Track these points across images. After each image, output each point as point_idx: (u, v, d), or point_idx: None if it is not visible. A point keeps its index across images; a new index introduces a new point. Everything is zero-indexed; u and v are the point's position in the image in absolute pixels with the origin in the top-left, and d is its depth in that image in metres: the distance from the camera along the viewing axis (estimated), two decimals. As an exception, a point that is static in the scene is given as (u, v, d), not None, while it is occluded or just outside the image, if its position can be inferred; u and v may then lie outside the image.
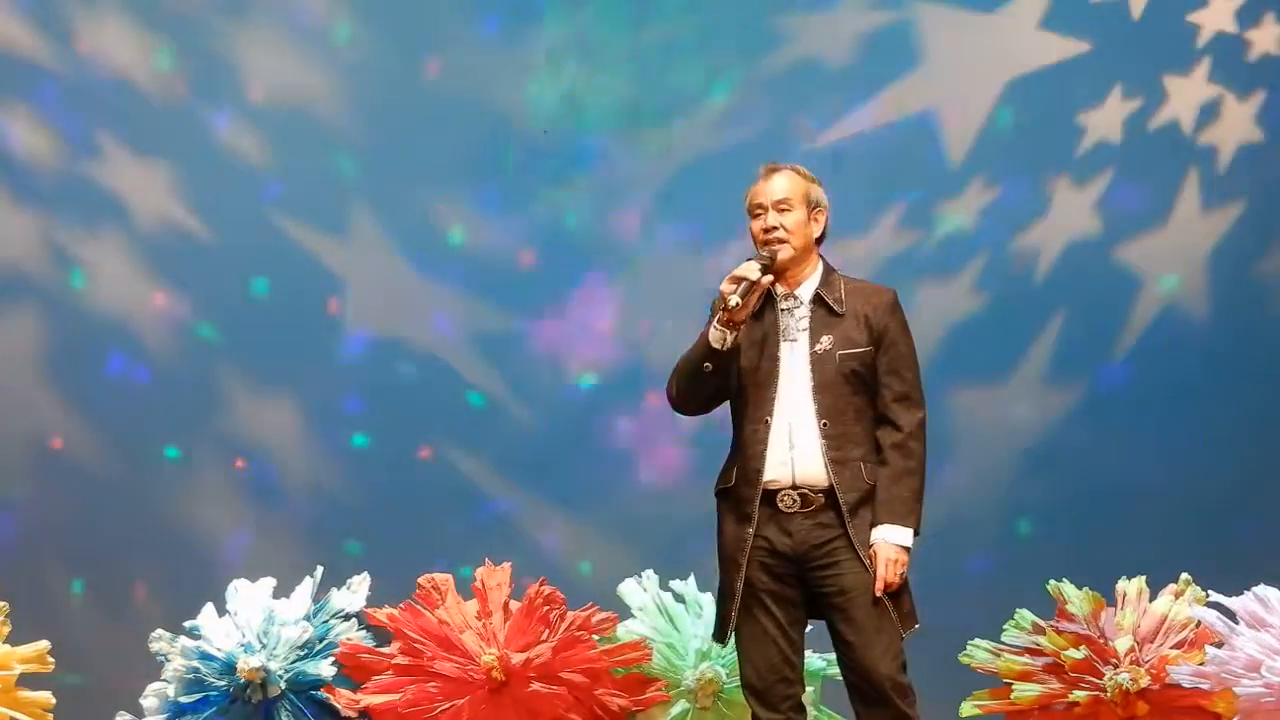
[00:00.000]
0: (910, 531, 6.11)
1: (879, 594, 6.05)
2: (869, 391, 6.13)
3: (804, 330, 6.14)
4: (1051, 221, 8.50)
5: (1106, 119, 8.48)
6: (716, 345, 6.09)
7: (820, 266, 6.21)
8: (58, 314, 8.60)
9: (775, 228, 6.14)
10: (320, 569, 7.58)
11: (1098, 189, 8.48)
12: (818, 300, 6.15)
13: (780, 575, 6.11)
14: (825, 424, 6.07)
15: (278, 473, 8.61)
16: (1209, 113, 8.44)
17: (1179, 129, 8.45)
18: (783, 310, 6.16)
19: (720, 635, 6.26)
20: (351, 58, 8.66)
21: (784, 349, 6.13)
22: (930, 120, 8.53)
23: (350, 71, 8.65)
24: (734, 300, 6.01)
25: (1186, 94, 8.44)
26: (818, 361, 6.10)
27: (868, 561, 6.07)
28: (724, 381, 6.17)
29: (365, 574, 7.55)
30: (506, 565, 7.36)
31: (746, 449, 6.13)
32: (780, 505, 6.08)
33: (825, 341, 6.11)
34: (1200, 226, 8.44)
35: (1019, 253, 8.52)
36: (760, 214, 6.17)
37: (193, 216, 8.63)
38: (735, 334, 6.09)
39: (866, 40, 8.58)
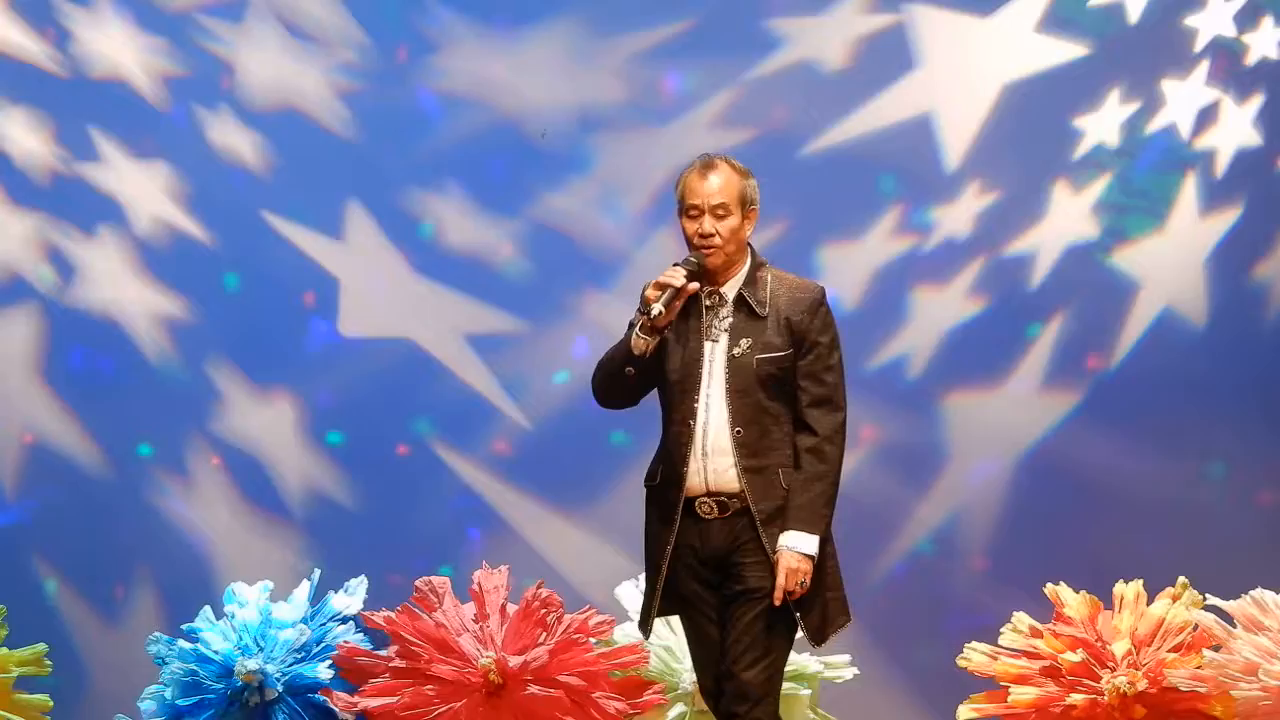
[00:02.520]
0: (816, 539, 5.89)
1: (777, 603, 5.87)
2: (789, 395, 5.96)
3: (726, 331, 5.98)
4: (1049, 225, 8.49)
5: (1104, 123, 8.47)
6: (638, 353, 5.95)
7: (748, 263, 6.04)
8: (54, 315, 8.59)
9: (711, 234, 5.96)
10: (318, 571, 7.58)
11: (1095, 193, 8.48)
12: (740, 300, 5.99)
13: (709, 581, 5.98)
14: (739, 431, 5.92)
15: (275, 475, 8.60)
16: (1206, 116, 8.43)
17: (1176, 133, 8.44)
18: (707, 308, 6.00)
19: (641, 627, 6.13)
20: (347, 59, 8.65)
21: (707, 349, 5.98)
22: (927, 123, 8.53)
23: (346, 73, 8.64)
24: (657, 309, 5.88)
25: (1184, 98, 8.43)
26: (734, 365, 5.94)
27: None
28: (647, 379, 6.03)
29: (363, 577, 7.55)
30: (504, 568, 7.36)
31: (670, 450, 6.00)
32: (700, 512, 5.95)
33: (744, 345, 5.95)
34: (1198, 230, 8.43)
35: (1016, 257, 8.51)
36: (696, 215, 5.98)
37: (188, 218, 8.63)
38: (656, 340, 5.96)
39: (864, 43, 8.57)
